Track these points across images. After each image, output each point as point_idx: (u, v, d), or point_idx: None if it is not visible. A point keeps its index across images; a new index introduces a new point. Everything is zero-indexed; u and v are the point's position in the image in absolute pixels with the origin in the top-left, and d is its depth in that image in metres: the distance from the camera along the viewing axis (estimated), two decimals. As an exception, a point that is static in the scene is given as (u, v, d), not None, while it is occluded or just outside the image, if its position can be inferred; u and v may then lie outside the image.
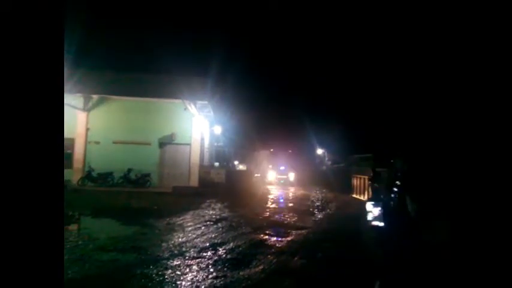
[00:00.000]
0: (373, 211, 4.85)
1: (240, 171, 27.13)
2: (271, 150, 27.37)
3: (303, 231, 7.85)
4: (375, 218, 5.11)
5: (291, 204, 12.96)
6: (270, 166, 24.96)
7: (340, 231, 8.06)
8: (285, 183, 23.03)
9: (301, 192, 18.74)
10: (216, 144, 27.21)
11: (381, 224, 5.00)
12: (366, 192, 13.70)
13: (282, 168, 24.66)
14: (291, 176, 24.30)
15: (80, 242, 5.96)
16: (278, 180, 23.76)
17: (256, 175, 24.31)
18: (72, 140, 15.17)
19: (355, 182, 16.31)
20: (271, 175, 24.32)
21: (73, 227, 7.49)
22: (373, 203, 5.07)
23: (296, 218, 9.82)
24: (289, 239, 6.99)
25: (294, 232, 7.64)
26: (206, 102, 15.66)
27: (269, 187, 20.61)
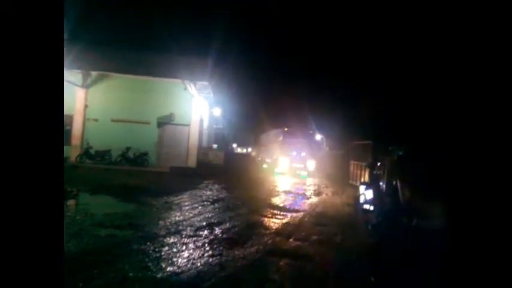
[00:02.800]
0: (365, 194, 4.89)
1: (240, 154, 26.92)
2: (286, 129, 20.18)
3: (298, 214, 7.94)
4: (366, 202, 5.18)
5: (287, 188, 13.06)
6: (282, 151, 18.86)
7: (334, 215, 8.17)
8: (302, 174, 17.70)
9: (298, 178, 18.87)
10: (215, 126, 27.15)
11: (371, 207, 5.07)
12: (363, 179, 13.79)
13: (299, 154, 18.57)
14: (310, 164, 18.39)
15: (77, 217, 6.02)
16: (293, 170, 17.90)
17: (267, 161, 20.17)
18: (70, 117, 15.07)
19: (353, 168, 16.39)
20: (284, 163, 18.25)
21: (71, 203, 7.55)
22: (365, 186, 5.11)
23: (292, 201, 9.92)
24: (284, 221, 7.08)
25: (289, 215, 7.74)
26: (206, 83, 15.51)
27: (275, 176, 17.38)
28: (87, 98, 15.45)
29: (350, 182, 16.09)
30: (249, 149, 35.59)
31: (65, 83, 14.09)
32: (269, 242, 5.43)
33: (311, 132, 20.60)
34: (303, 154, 18.70)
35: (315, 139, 20.44)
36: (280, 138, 19.94)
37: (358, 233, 6.08)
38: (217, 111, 22.46)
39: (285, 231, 6.14)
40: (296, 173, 17.87)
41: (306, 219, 7.48)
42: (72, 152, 14.78)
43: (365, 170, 12.13)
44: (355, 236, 5.99)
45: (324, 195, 11.92)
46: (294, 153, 18.61)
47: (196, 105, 16.28)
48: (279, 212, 7.94)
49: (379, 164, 5.67)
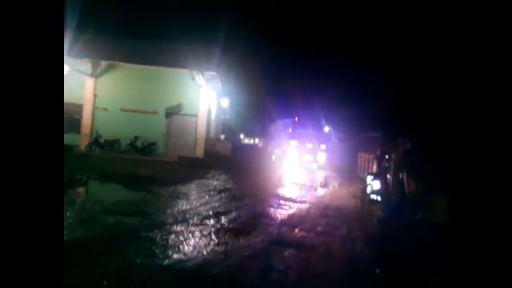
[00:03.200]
0: (372, 184, 4.87)
1: (247, 145, 26.85)
2: (296, 119, 19.05)
3: (304, 205, 7.95)
4: (373, 192, 5.15)
5: (294, 180, 13.06)
6: (292, 142, 17.64)
7: (340, 207, 8.16)
8: (312, 168, 16.89)
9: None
10: (222, 117, 27.15)
11: (379, 198, 5.02)
12: (371, 170, 13.70)
13: (309, 145, 17.45)
14: (321, 157, 17.39)
15: (87, 205, 6.13)
16: (303, 162, 16.99)
17: (275, 153, 19.08)
18: (80, 106, 15.24)
19: (361, 160, 16.27)
20: (293, 155, 17.26)
21: (80, 190, 7.68)
22: (373, 176, 5.07)
23: (298, 192, 9.93)
24: (290, 212, 7.10)
25: (295, 206, 7.75)
26: (214, 73, 15.45)
27: (283, 167, 16.42)
28: (96, 88, 15.57)
29: (358, 174, 16.00)
30: (256, 140, 35.59)
31: (75, 72, 14.23)
32: (274, 232, 5.46)
33: (322, 123, 19.19)
34: (314, 146, 17.58)
35: (326, 130, 19.29)
36: (290, 129, 18.90)
37: (364, 225, 6.07)
38: (225, 102, 22.42)
39: (291, 222, 6.16)
40: (306, 165, 16.94)
41: (312, 210, 7.49)
42: (81, 141, 14.99)
43: (373, 163, 12.04)
44: (360, 228, 5.99)
45: (331, 187, 11.90)
46: (304, 144, 17.53)
47: (204, 96, 16.27)
48: (285, 203, 7.96)
49: (387, 156, 5.60)
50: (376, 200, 4.20)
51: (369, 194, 4.29)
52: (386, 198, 4.06)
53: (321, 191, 10.57)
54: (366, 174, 14.64)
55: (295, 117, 19.23)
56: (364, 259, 4.51)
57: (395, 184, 3.51)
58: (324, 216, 6.93)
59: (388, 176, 4.83)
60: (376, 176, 4.31)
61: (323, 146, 17.74)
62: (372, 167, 12.73)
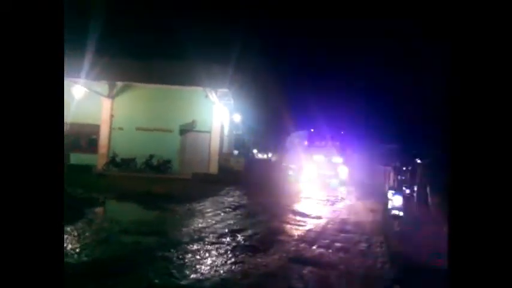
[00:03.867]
0: (393, 200, 4.73)
1: (261, 160, 26.77)
2: (312, 130, 17.49)
3: (321, 220, 7.81)
4: (395, 207, 4.99)
5: (309, 194, 12.90)
6: (308, 156, 16.18)
7: (358, 222, 7.97)
8: (333, 184, 15.31)
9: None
10: (235, 132, 27.30)
11: (401, 213, 4.86)
12: (388, 183, 13.39)
13: (327, 159, 15.90)
14: (342, 171, 15.70)
15: (104, 225, 6.20)
16: (322, 178, 15.43)
17: (291, 167, 17.51)
18: (97, 127, 15.68)
19: (378, 172, 15.91)
20: (310, 170, 15.70)
21: (98, 210, 7.79)
22: (394, 191, 4.94)
23: (314, 207, 9.78)
24: (307, 228, 6.98)
25: (312, 221, 7.62)
26: (227, 90, 15.67)
27: (300, 184, 15.26)
28: (113, 108, 16.00)
29: (377, 188, 15.59)
30: (270, 155, 35.49)
31: (93, 93, 14.70)
32: (292, 249, 5.36)
33: (342, 133, 17.48)
34: (333, 159, 16.04)
35: (347, 141, 17.56)
36: (306, 141, 17.35)
37: (385, 241, 5.89)
38: (238, 118, 22.59)
39: (308, 238, 6.05)
40: (325, 181, 15.57)
41: (330, 226, 7.34)
42: (99, 161, 15.32)
43: (392, 176, 11.76)
44: (380, 243, 5.82)
45: (347, 200, 11.68)
46: (323, 158, 16.04)
47: (217, 112, 16.47)
48: (301, 219, 7.84)
49: (404, 169, 5.48)
50: (398, 215, 4.09)
51: (390, 209, 4.18)
52: (409, 214, 3.95)
53: (338, 205, 10.38)
54: (385, 188, 14.27)
55: (311, 129, 17.88)
56: (385, 276, 4.36)
57: (418, 199, 3.43)
58: (341, 231, 6.78)
59: (408, 190, 4.70)
60: (397, 190, 4.21)
61: (343, 160, 16.30)
62: (392, 180, 12.44)
